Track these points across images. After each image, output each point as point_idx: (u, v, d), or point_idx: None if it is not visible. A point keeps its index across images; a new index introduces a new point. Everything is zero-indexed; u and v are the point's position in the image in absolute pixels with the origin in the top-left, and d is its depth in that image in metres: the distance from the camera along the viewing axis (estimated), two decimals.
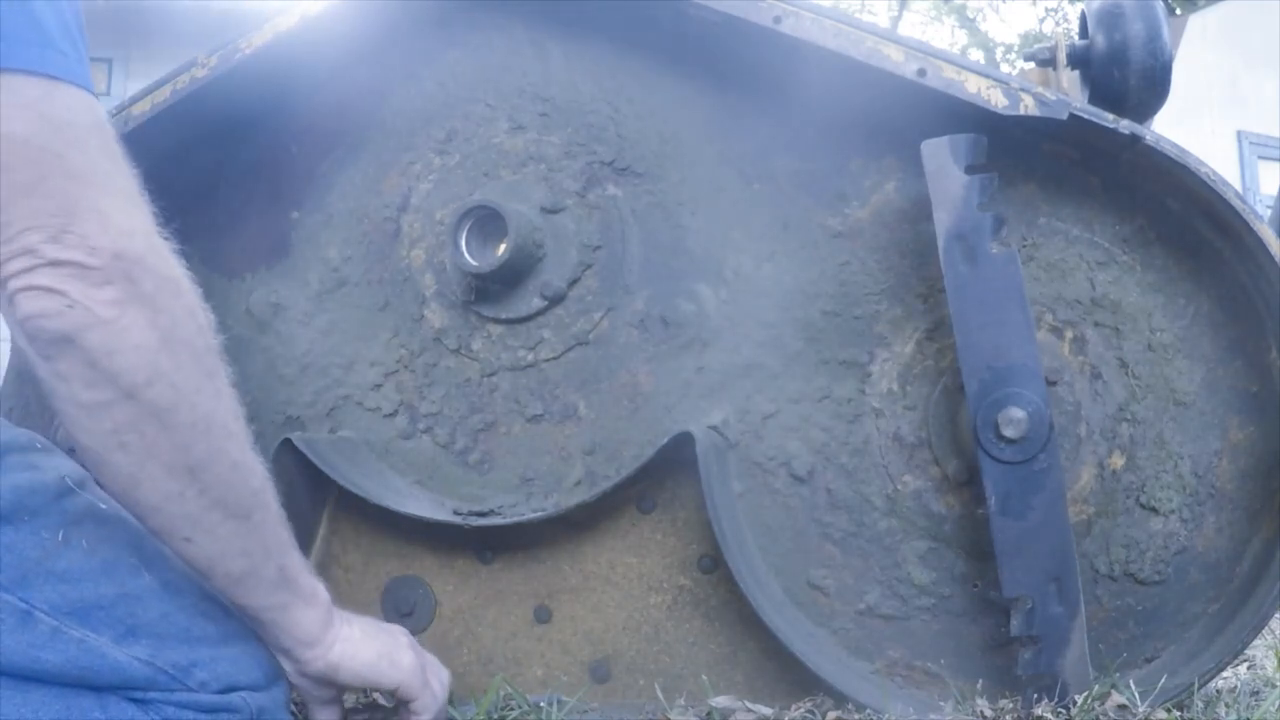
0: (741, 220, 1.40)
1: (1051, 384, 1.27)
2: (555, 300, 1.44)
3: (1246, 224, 1.20)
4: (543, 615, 1.42)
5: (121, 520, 0.95)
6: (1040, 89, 1.23)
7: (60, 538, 0.89)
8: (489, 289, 1.45)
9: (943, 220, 1.24)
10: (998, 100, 1.23)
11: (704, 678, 1.35)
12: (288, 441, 1.41)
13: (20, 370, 1.69)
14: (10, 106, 0.79)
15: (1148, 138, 1.20)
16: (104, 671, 0.90)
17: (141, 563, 0.94)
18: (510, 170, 1.47)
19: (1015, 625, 1.22)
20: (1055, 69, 1.61)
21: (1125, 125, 1.20)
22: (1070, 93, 1.56)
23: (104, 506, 0.95)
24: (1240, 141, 9.57)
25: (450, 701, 1.33)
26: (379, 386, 1.51)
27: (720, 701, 1.30)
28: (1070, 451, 1.29)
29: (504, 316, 1.46)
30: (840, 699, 1.26)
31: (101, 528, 0.93)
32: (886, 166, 1.36)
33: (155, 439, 0.84)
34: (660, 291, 1.42)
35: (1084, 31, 1.54)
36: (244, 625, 1.01)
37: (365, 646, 1.05)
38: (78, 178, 0.80)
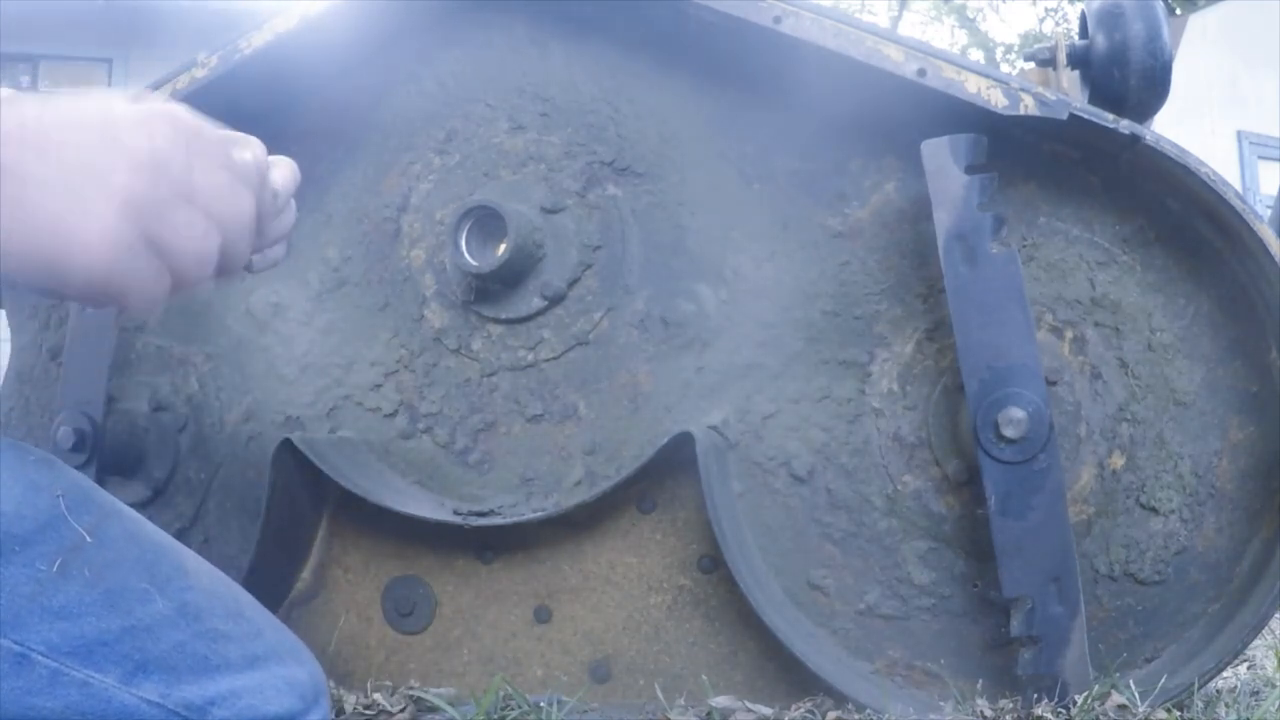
0: (741, 220, 1.40)
1: (1051, 384, 1.27)
2: (555, 300, 1.44)
3: (1246, 224, 1.20)
4: (543, 615, 1.42)
5: (131, 538, 0.86)
6: (1040, 89, 1.23)
7: (57, 568, 0.79)
8: (489, 289, 1.45)
9: (943, 220, 1.24)
10: (998, 100, 1.23)
11: (704, 678, 1.35)
12: (288, 441, 1.41)
13: (20, 370, 1.69)
14: None
15: (1148, 138, 1.20)
16: (109, 717, 0.80)
17: (154, 586, 0.85)
18: (510, 170, 1.47)
19: (1015, 625, 1.22)
20: (1055, 69, 1.61)
21: (1125, 125, 1.20)
22: (1070, 93, 1.56)
23: (110, 524, 0.85)
24: (1240, 141, 9.58)
25: (450, 702, 1.33)
26: (379, 386, 1.51)
27: (720, 701, 1.30)
28: (1070, 451, 1.29)
29: (504, 316, 1.46)
30: (840, 699, 1.26)
31: (106, 550, 0.83)
32: (886, 166, 1.36)
33: None
34: (660, 291, 1.42)
35: (1084, 31, 1.54)
36: (276, 637, 0.92)
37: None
38: None
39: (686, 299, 1.41)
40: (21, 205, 0.67)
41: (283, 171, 0.87)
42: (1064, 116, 1.21)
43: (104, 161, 0.70)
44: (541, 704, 1.30)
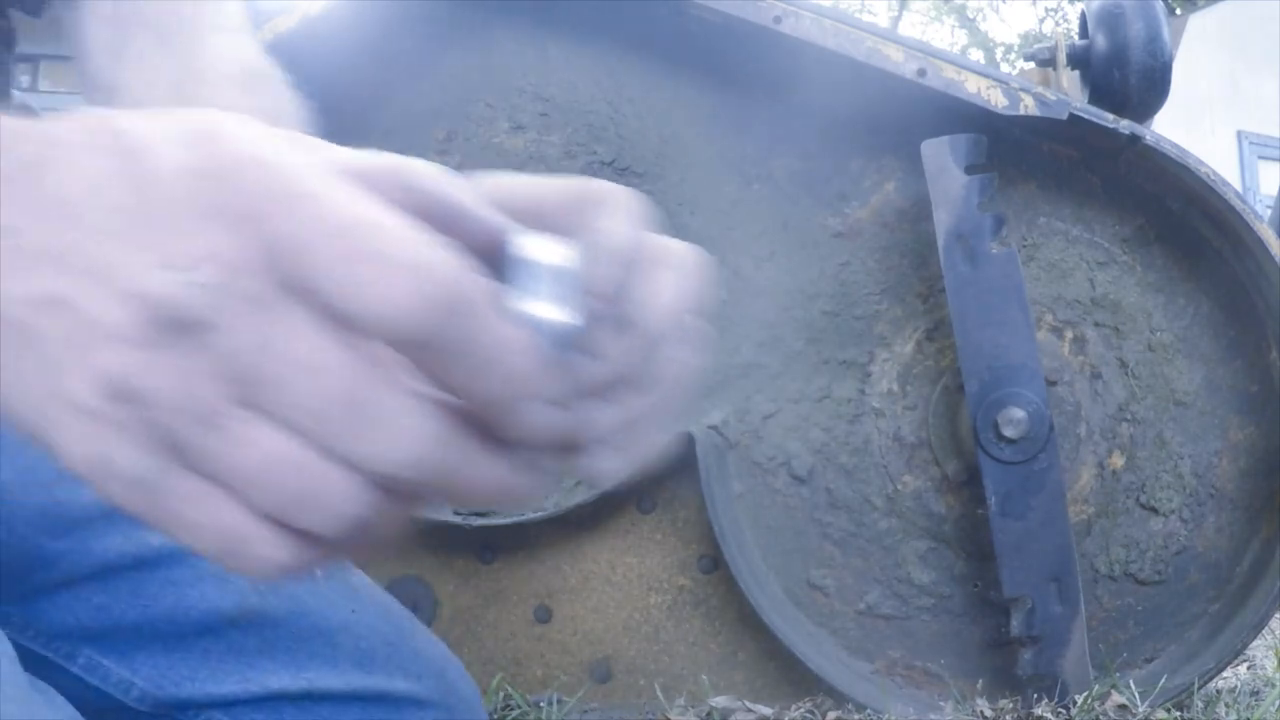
0: (741, 220, 1.40)
1: (1051, 384, 1.27)
2: None
3: (1246, 224, 1.20)
4: (543, 615, 1.42)
5: None
6: (1040, 89, 1.23)
7: None
8: None
9: (943, 220, 1.24)
10: (998, 100, 1.23)
11: (704, 678, 1.35)
12: None
13: None
14: None
15: (1148, 138, 1.20)
16: None
17: None
18: (510, 170, 1.47)
19: (1015, 625, 1.22)
20: (1055, 69, 1.61)
21: (1125, 125, 1.20)
22: (1070, 93, 1.56)
23: None
24: (1240, 141, 9.58)
25: None
26: None
27: (720, 701, 1.30)
28: (1070, 451, 1.29)
29: None
30: (840, 699, 1.26)
31: None
32: (886, 166, 1.36)
33: None
34: None
35: (1084, 32, 1.54)
36: None
37: None
38: None
39: None
40: None
41: (671, 282, 0.40)
42: (1064, 116, 1.21)
43: (84, 307, 0.30)
44: (541, 704, 1.30)
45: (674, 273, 0.40)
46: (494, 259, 0.32)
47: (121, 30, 0.71)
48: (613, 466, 0.37)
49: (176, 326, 0.29)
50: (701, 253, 0.40)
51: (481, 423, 0.31)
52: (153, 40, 0.71)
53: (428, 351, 0.29)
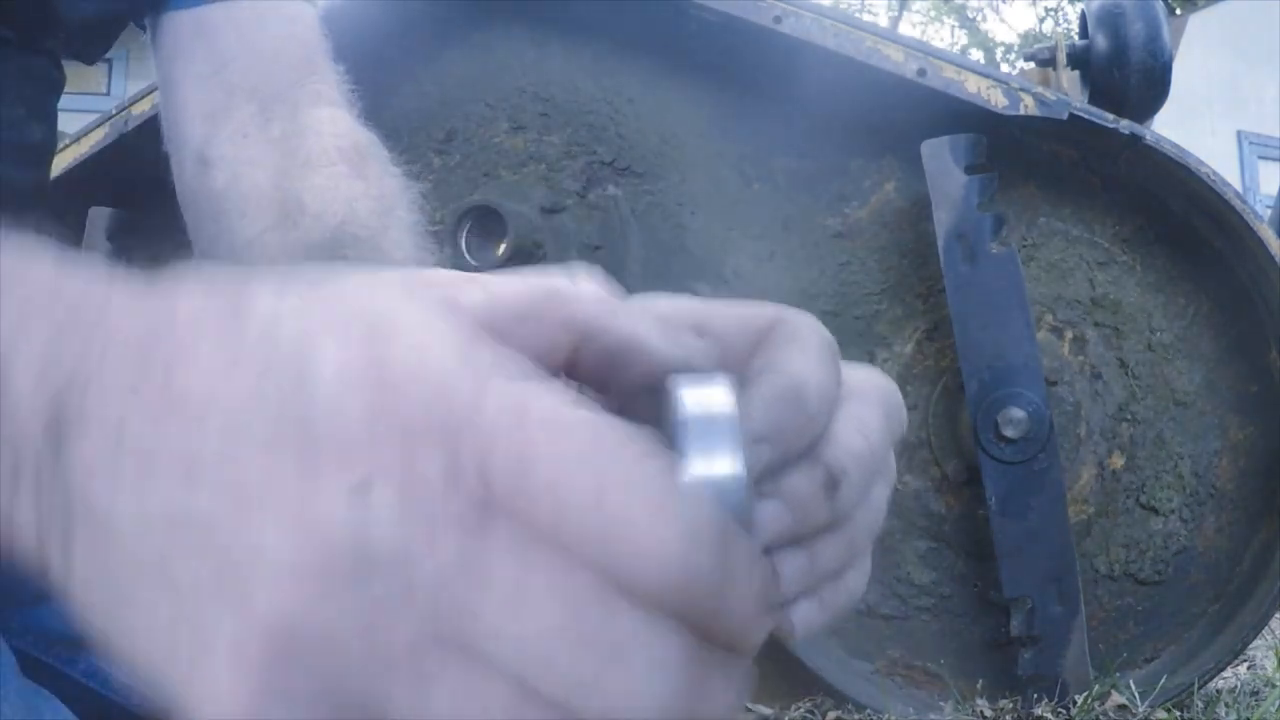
0: (741, 220, 1.40)
1: (1051, 384, 1.27)
2: None
3: (1246, 224, 1.20)
4: None
5: None
6: (1040, 89, 1.23)
7: None
8: None
9: (943, 220, 1.24)
10: (998, 100, 1.23)
11: None
12: None
13: None
14: None
15: (1148, 138, 1.20)
16: None
17: None
18: (510, 170, 1.47)
19: (1015, 625, 1.22)
20: (1055, 69, 1.61)
21: (1125, 125, 1.20)
22: (1070, 93, 1.56)
23: None
24: (1240, 141, 9.57)
25: None
26: None
27: None
28: (1070, 451, 1.29)
29: None
30: (840, 699, 1.26)
31: None
32: (886, 166, 1.36)
33: None
34: (660, 291, 1.41)
35: (1084, 31, 1.55)
36: None
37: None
38: None
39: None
40: (103, 608, 0.27)
41: (864, 418, 0.35)
42: (1064, 116, 1.21)
43: (236, 532, 0.25)
44: None
45: (867, 408, 0.35)
46: (648, 394, 0.30)
47: (221, 97, 0.68)
48: (812, 618, 0.34)
49: (363, 562, 0.24)
50: (893, 384, 0.37)
51: (709, 644, 0.26)
52: (254, 111, 0.67)
53: (679, 593, 0.24)
